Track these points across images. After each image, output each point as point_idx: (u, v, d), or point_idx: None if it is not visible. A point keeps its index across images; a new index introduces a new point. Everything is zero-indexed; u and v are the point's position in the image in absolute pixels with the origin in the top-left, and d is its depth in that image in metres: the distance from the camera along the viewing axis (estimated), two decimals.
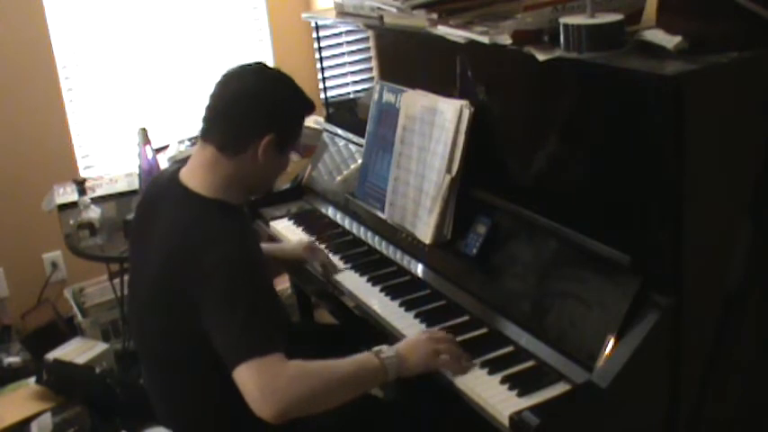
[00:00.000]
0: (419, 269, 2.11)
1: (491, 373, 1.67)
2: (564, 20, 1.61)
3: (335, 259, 2.27)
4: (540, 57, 1.63)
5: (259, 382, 1.59)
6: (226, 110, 1.78)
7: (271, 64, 3.81)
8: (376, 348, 1.73)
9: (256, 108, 1.77)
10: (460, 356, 1.72)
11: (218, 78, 1.81)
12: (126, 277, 2.64)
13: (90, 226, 2.77)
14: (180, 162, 1.92)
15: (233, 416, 1.81)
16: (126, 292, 2.33)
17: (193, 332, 1.72)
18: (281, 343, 1.67)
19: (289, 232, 2.52)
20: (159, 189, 1.92)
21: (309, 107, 1.86)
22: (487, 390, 1.62)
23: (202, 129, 1.81)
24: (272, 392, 1.58)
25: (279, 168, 1.88)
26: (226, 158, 1.77)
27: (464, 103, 1.96)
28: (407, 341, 1.78)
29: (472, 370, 1.69)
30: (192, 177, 1.81)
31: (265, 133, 1.75)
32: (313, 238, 2.40)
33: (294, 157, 1.95)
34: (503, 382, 1.63)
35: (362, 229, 2.38)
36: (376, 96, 2.31)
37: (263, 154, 1.76)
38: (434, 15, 1.97)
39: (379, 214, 2.24)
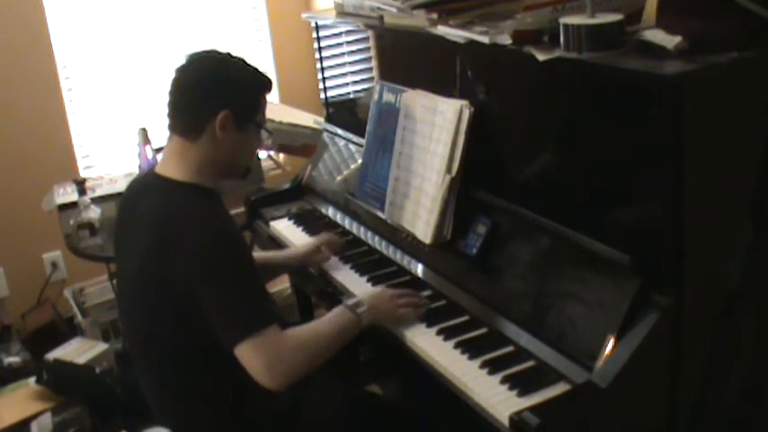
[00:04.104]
0: (419, 269, 2.11)
1: (491, 373, 1.67)
2: (564, 20, 1.61)
3: (335, 259, 2.27)
4: (540, 57, 1.63)
5: (263, 358, 1.68)
6: (180, 98, 1.83)
7: (271, 64, 3.83)
8: (349, 303, 1.88)
9: (206, 88, 1.82)
10: (419, 306, 1.91)
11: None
12: None
13: (90, 226, 2.77)
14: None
15: (230, 412, 1.82)
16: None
17: (182, 324, 1.74)
18: (274, 313, 1.76)
19: (289, 232, 2.52)
20: (137, 187, 1.97)
21: (262, 83, 1.89)
22: (487, 390, 1.62)
23: (168, 123, 1.86)
24: (277, 365, 1.69)
25: (245, 147, 1.89)
26: (190, 143, 1.82)
27: (464, 103, 1.96)
28: (372, 293, 1.95)
29: (472, 370, 1.69)
30: (165, 168, 1.86)
31: (218, 110, 1.79)
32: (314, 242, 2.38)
33: (266, 139, 2.02)
34: (503, 382, 1.63)
35: (362, 229, 2.38)
36: (376, 96, 2.31)
37: (221, 131, 1.80)
38: (434, 15, 1.97)
39: (379, 214, 2.24)
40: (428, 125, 2.06)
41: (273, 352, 1.69)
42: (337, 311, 1.86)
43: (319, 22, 2.73)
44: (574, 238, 1.68)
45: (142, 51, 3.59)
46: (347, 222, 2.45)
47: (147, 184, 1.88)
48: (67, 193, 3.06)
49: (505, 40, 1.73)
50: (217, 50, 1.88)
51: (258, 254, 2.35)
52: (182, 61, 1.86)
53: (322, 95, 2.83)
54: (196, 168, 1.83)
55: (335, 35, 2.75)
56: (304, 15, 2.85)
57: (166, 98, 1.85)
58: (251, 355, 1.69)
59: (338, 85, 2.80)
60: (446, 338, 1.81)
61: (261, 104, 1.89)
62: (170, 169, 1.84)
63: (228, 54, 1.88)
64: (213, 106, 1.79)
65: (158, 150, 3.03)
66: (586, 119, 1.70)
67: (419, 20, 2.03)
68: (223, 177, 1.91)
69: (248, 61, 1.89)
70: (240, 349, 1.69)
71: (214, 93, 1.81)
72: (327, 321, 1.84)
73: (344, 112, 2.77)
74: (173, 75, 1.84)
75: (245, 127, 1.84)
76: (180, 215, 1.76)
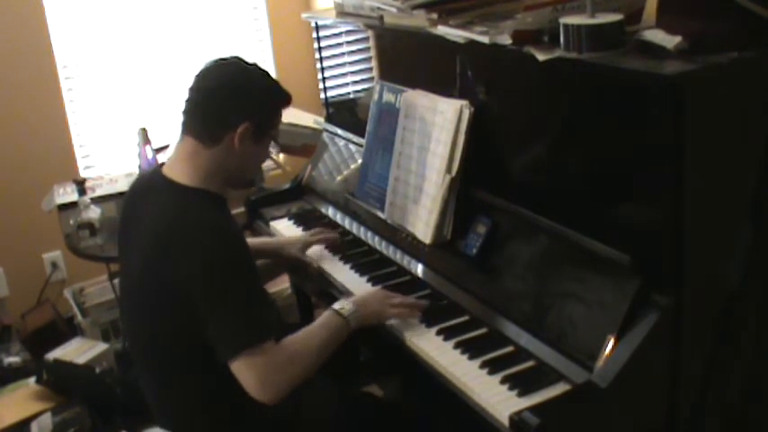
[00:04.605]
0: (419, 269, 2.11)
1: (491, 373, 1.67)
2: (564, 20, 1.61)
3: (335, 259, 2.27)
4: (540, 57, 1.63)
5: (256, 372, 1.68)
6: (203, 102, 1.82)
7: (271, 64, 3.83)
8: (335, 306, 1.87)
9: (232, 98, 1.81)
10: (412, 308, 1.89)
11: (197, 72, 1.85)
12: None
13: (90, 226, 2.77)
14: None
15: (230, 413, 1.82)
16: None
17: (183, 326, 1.74)
18: (271, 327, 1.75)
19: (289, 232, 2.52)
20: (142, 186, 1.96)
21: (285, 98, 1.89)
22: (487, 390, 1.63)
23: (183, 122, 1.85)
24: (270, 379, 1.69)
25: (256, 158, 1.91)
26: (205, 148, 1.81)
27: (464, 103, 1.96)
28: (363, 294, 1.95)
29: (472, 370, 1.69)
30: (173, 170, 1.84)
31: (241, 122, 1.79)
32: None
33: (273, 150, 2.01)
34: (503, 382, 1.63)
35: (362, 229, 2.38)
36: (376, 96, 2.31)
37: (240, 143, 1.80)
38: (434, 15, 1.97)
39: (379, 214, 2.24)
40: (428, 125, 2.06)
41: (266, 367, 1.69)
42: (326, 316, 1.86)
43: (319, 22, 2.73)
44: (574, 238, 1.68)
45: (142, 51, 3.59)
46: (347, 222, 2.45)
47: (153, 185, 1.87)
48: (67, 193, 3.05)
49: (505, 40, 1.73)
50: (242, 59, 1.88)
51: (254, 240, 2.35)
52: (207, 64, 1.85)
53: (322, 95, 2.83)
54: (204, 174, 1.81)
55: (335, 35, 2.75)
56: (304, 15, 2.85)
57: (186, 97, 1.83)
58: (245, 371, 1.68)
59: (338, 85, 2.80)
60: (446, 338, 1.81)
61: (279, 118, 1.90)
62: (177, 172, 1.83)
63: (254, 65, 1.87)
64: (236, 118, 1.79)
65: (158, 150, 3.04)
66: (586, 119, 1.70)
67: (419, 20, 2.03)
68: (229, 185, 1.90)
69: (270, 74, 1.89)
70: (234, 364, 1.69)
71: (239, 104, 1.80)
72: (317, 328, 1.83)
73: (344, 112, 2.77)
74: (195, 76, 1.83)
75: (261, 140, 1.85)
76: (185, 220, 1.75)
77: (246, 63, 1.87)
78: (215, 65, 1.85)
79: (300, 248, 2.29)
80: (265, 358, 1.69)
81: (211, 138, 1.80)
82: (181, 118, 1.84)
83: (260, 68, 1.87)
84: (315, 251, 2.32)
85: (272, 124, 1.88)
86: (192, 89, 1.83)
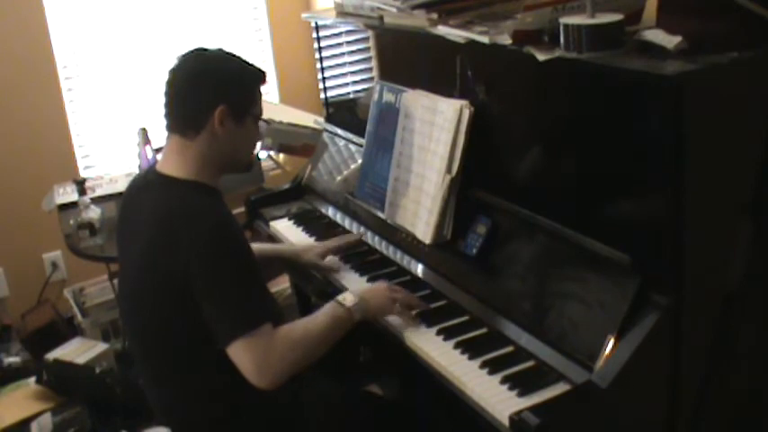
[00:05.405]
0: (419, 269, 2.11)
1: (491, 373, 1.67)
2: (564, 20, 1.61)
3: (335, 259, 2.27)
4: (540, 57, 1.63)
5: (253, 358, 1.69)
6: (176, 96, 1.84)
7: (271, 64, 3.84)
8: (340, 297, 1.87)
9: (201, 84, 1.83)
10: (415, 307, 1.90)
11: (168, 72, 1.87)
12: None
13: (90, 226, 2.77)
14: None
15: (230, 412, 1.82)
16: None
17: (182, 324, 1.75)
18: (268, 311, 1.76)
19: (289, 232, 2.52)
20: (138, 184, 1.97)
21: (254, 75, 1.89)
22: (487, 390, 1.62)
23: (166, 123, 1.87)
24: (267, 365, 1.70)
25: (244, 140, 1.90)
26: (190, 141, 1.82)
27: (464, 103, 1.96)
28: (368, 287, 1.98)
29: (472, 370, 1.69)
30: (166, 165, 1.86)
31: (215, 105, 1.79)
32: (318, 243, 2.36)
33: (263, 129, 2.03)
34: (503, 382, 1.63)
35: (362, 229, 2.38)
36: (376, 96, 2.31)
37: (219, 125, 1.80)
38: (434, 15, 1.97)
39: (379, 214, 2.24)
40: (428, 125, 2.06)
41: (263, 353, 1.69)
42: (329, 307, 1.86)
43: (319, 22, 2.73)
44: (574, 238, 1.68)
45: (142, 51, 3.59)
46: (347, 222, 2.45)
47: (149, 182, 1.89)
48: (67, 193, 3.06)
49: (505, 40, 1.73)
50: (205, 48, 1.89)
51: (267, 246, 2.35)
52: (173, 62, 1.87)
53: (322, 95, 2.83)
54: (196, 166, 1.83)
55: (335, 35, 2.75)
56: (304, 15, 2.85)
57: (162, 99, 1.85)
58: (242, 355, 1.69)
59: (338, 85, 2.80)
60: (446, 338, 1.81)
61: (256, 96, 1.89)
62: (170, 167, 1.85)
63: (220, 49, 1.89)
64: (210, 102, 1.80)
65: (158, 150, 3.03)
66: (586, 119, 1.70)
67: (419, 20, 2.03)
68: (225, 172, 1.92)
69: (240, 55, 1.89)
70: (231, 349, 1.70)
71: (209, 89, 1.82)
72: (319, 317, 1.83)
73: (344, 112, 2.77)
74: (166, 76, 1.85)
75: (242, 120, 1.85)
76: (180, 210, 1.77)
77: (209, 50, 1.88)
78: (179, 60, 1.87)
79: (319, 254, 2.25)
80: (263, 342, 1.70)
81: (192, 128, 1.81)
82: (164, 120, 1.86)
83: (226, 52, 1.89)
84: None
85: (249, 103, 1.87)
86: (165, 91, 1.85)
